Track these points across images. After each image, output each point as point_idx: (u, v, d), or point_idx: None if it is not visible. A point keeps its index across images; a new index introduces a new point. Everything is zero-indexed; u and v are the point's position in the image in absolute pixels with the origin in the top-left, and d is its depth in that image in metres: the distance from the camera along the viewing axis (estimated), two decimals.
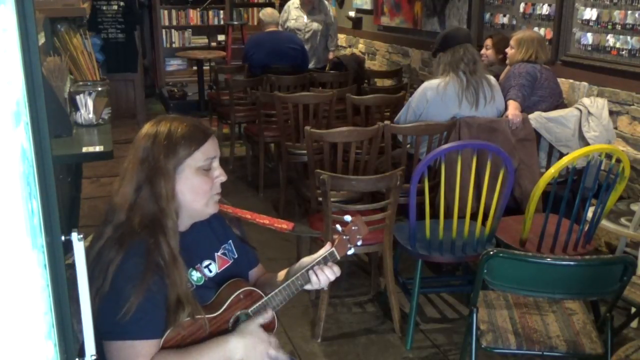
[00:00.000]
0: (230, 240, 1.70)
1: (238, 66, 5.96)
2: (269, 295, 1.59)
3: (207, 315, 1.51)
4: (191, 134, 1.51)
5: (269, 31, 5.74)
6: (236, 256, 1.69)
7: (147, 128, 1.54)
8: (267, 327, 1.56)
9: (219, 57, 7.83)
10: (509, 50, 3.80)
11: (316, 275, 1.60)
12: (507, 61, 3.85)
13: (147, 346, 1.40)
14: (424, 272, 2.88)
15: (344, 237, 1.64)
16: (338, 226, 1.65)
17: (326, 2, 6.45)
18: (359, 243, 1.67)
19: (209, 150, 1.53)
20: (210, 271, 1.61)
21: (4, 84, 0.78)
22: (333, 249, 1.62)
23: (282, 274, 1.73)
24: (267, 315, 1.55)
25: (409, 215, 2.76)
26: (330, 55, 6.38)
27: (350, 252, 1.65)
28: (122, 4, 6.49)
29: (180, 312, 1.43)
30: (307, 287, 1.64)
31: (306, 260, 1.66)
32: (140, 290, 1.38)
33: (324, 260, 1.62)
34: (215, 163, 1.56)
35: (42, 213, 0.86)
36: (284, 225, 1.68)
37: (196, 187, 1.51)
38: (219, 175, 1.55)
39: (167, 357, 1.41)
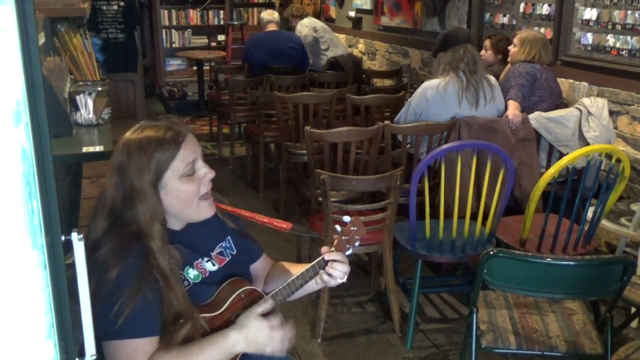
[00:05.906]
0: (229, 237, 1.69)
1: (238, 66, 5.96)
2: (270, 294, 1.59)
3: (207, 314, 1.50)
4: (163, 144, 1.46)
5: (269, 31, 5.75)
6: (235, 252, 1.68)
7: (123, 139, 1.49)
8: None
9: (219, 57, 7.83)
10: (511, 48, 3.79)
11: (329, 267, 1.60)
12: (509, 59, 3.84)
13: (145, 344, 1.40)
14: (424, 272, 2.88)
15: (343, 237, 1.65)
16: (337, 227, 1.66)
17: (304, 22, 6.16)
18: (357, 244, 1.69)
19: (186, 155, 1.49)
20: (209, 268, 1.60)
21: (4, 83, 0.78)
22: (332, 249, 1.64)
23: (294, 269, 1.71)
24: (266, 305, 1.52)
25: (409, 215, 2.76)
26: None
27: (348, 253, 1.66)
28: (122, 4, 6.48)
29: (179, 328, 1.42)
30: (314, 286, 1.65)
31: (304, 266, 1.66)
32: (135, 290, 1.38)
33: (324, 262, 1.62)
34: (199, 163, 1.52)
35: (42, 213, 0.86)
36: (284, 225, 1.67)
37: (182, 195, 1.49)
38: (206, 173, 1.52)
39: (167, 355, 1.41)
